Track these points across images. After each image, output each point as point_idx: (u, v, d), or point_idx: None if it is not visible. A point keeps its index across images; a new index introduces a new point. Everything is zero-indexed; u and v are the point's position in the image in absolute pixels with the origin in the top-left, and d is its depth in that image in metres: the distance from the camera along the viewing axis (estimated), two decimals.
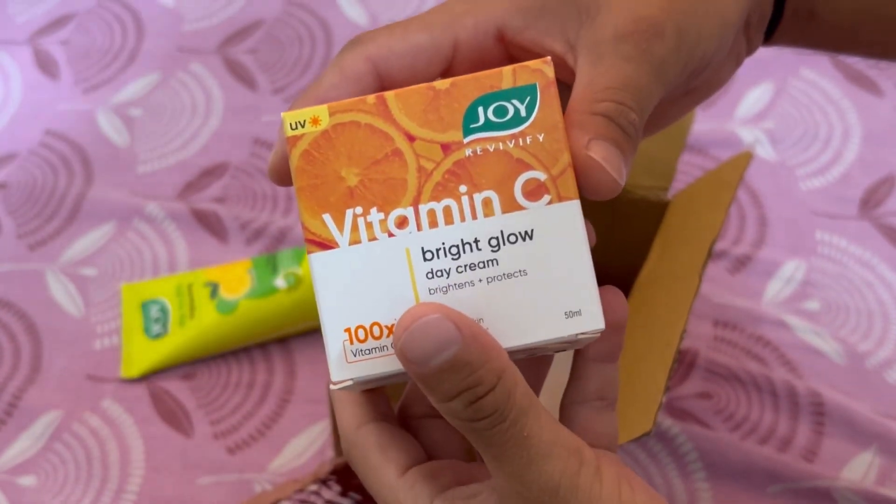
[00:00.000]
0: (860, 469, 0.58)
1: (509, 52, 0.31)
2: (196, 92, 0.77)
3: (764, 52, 0.81)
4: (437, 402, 0.26)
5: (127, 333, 0.63)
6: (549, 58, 0.27)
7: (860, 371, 0.62)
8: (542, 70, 0.27)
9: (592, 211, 0.58)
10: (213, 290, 0.63)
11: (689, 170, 0.71)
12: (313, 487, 0.52)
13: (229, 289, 0.63)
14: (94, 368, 0.62)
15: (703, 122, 0.74)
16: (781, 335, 0.63)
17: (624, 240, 0.58)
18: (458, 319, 0.25)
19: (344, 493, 0.52)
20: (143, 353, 0.62)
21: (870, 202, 0.70)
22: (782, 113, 0.75)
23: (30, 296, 0.66)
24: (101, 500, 0.57)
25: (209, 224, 0.69)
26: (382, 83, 0.30)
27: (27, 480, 0.58)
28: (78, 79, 0.78)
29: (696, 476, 0.57)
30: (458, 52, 0.30)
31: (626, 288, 0.58)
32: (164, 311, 0.63)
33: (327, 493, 0.54)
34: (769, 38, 0.37)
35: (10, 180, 0.72)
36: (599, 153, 0.27)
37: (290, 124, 0.27)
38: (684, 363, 0.62)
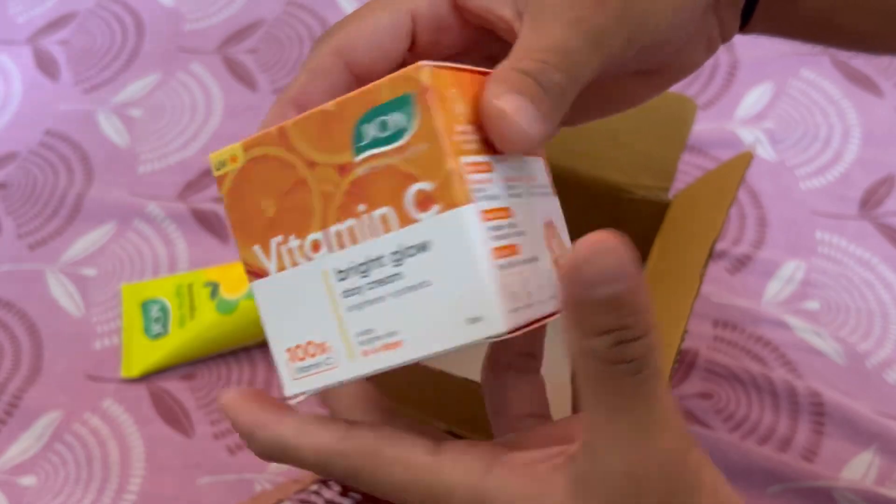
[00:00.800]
0: (860, 469, 0.58)
1: (465, 18, 0.31)
2: (196, 92, 0.77)
3: (764, 53, 0.81)
4: (584, 334, 0.24)
5: (127, 333, 0.63)
6: (423, 63, 0.26)
7: (860, 371, 0.62)
8: (415, 78, 0.26)
9: (593, 211, 0.58)
10: (214, 290, 0.63)
11: (689, 170, 0.71)
12: (314, 487, 0.52)
13: (229, 289, 0.63)
14: (94, 368, 0.62)
15: (704, 122, 0.74)
16: (781, 335, 0.63)
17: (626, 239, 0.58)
18: (633, 260, 0.23)
19: (344, 493, 0.52)
20: (143, 353, 0.62)
21: (870, 202, 0.70)
22: (782, 113, 0.75)
23: (30, 296, 0.66)
24: (102, 500, 0.57)
25: (209, 224, 0.69)
26: (353, 71, 0.30)
27: (27, 480, 0.58)
28: (78, 79, 0.78)
29: None
30: (418, 24, 0.31)
31: None
32: (164, 311, 0.63)
33: (328, 493, 0.54)
34: (746, 22, 0.36)
35: (11, 180, 0.72)
36: (508, 103, 0.27)
37: (215, 164, 0.29)
38: (684, 363, 0.62)
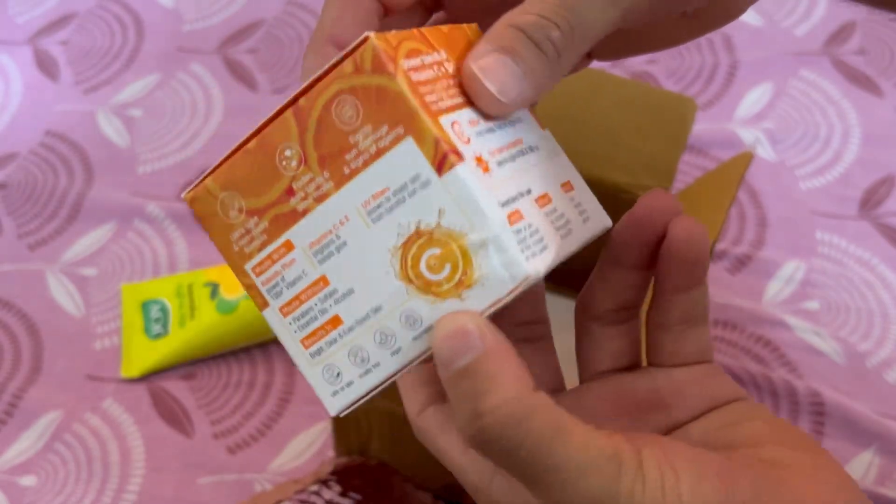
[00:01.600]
0: (860, 469, 0.58)
1: None
2: (196, 92, 0.77)
3: (764, 53, 0.81)
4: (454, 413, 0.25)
5: (127, 333, 0.63)
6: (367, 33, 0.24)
7: (860, 371, 0.62)
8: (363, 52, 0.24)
9: None
10: (214, 290, 0.63)
11: (689, 170, 0.71)
12: (314, 488, 0.52)
13: (229, 289, 0.63)
14: (94, 368, 0.62)
15: (704, 122, 0.74)
16: (781, 335, 0.63)
17: None
18: (486, 331, 0.24)
19: (344, 493, 0.52)
20: (143, 353, 0.62)
21: (869, 202, 0.70)
22: (782, 113, 0.75)
23: (30, 296, 0.66)
24: (102, 499, 0.57)
25: None
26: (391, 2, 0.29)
27: (28, 480, 0.58)
28: (78, 79, 0.78)
29: None
30: None
31: None
32: (164, 311, 0.63)
33: (328, 494, 0.54)
34: None
35: (11, 180, 0.72)
36: (482, 64, 0.26)
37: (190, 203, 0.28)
38: None
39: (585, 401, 0.30)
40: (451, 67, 0.26)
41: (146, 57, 0.79)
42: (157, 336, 0.62)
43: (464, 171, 0.24)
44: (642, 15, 0.28)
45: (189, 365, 0.62)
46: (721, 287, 0.65)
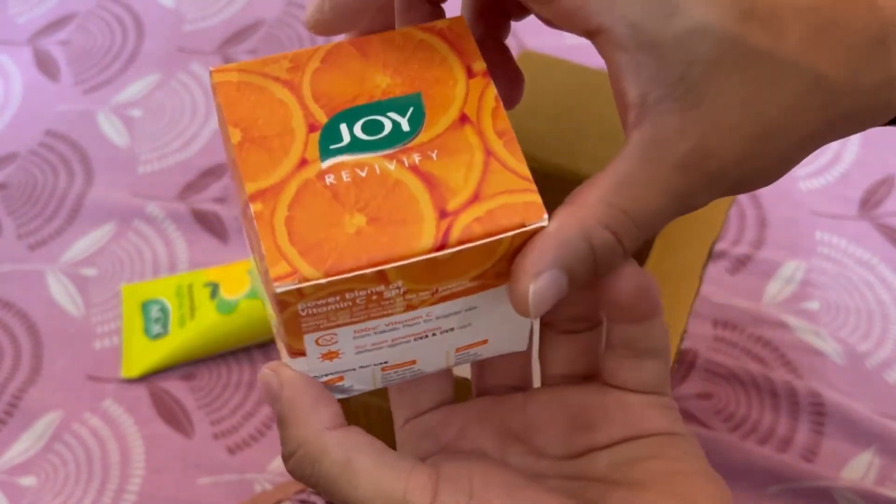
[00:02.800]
0: (860, 469, 0.58)
1: (594, 41, 0.26)
2: (196, 92, 0.77)
3: None
4: None
5: (127, 334, 0.63)
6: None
7: (860, 371, 0.62)
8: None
9: None
10: (214, 290, 0.63)
11: None
12: None
13: (229, 289, 0.63)
14: (94, 369, 0.62)
15: None
16: (781, 335, 0.63)
17: None
18: (288, 385, 0.27)
19: None
20: (143, 354, 0.62)
21: (869, 202, 0.70)
22: None
23: (30, 296, 0.66)
24: (102, 500, 0.57)
25: (209, 224, 0.69)
26: None
27: (28, 481, 0.58)
28: (78, 79, 0.78)
29: None
30: None
31: None
32: (164, 311, 0.63)
33: None
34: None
35: (11, 181, 0.72)
36: (537, 288, 0.25)
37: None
38: (684, 363, 0.62)
39: (529, 406, 0.30)
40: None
41: (146, 57, 0.79)
42: (157, 336, 0.62)
43: (299, 362, 0.27)
44: (698, 203, 0.27)
45: (189, 365, 0.62)
46: (721, 287, 0.65)
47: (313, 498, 0.54)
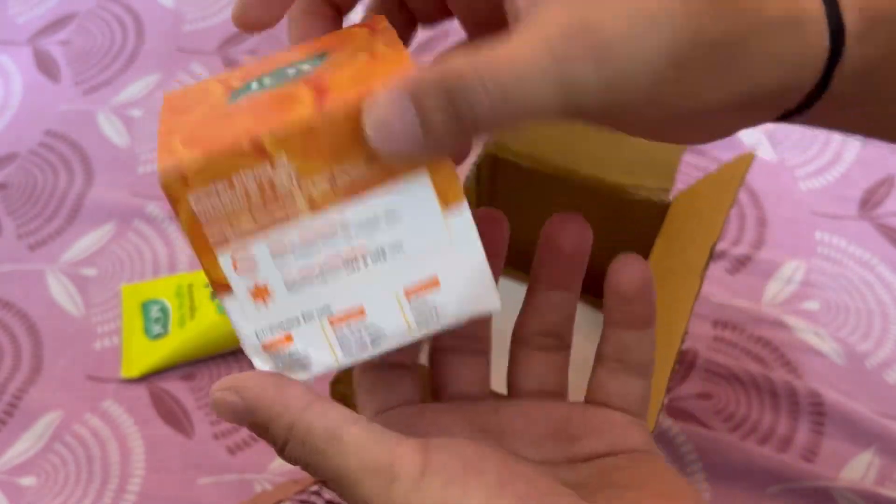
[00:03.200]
0: (860, 469, 0.58)
1: None
2: None
3: None
4: None
5: (127, 334, 0.63)
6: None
7: (860, 371, 0.62)
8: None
9: (595, 211, 0.58)
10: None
11: (689, 170, 0.71)
12: (314, 488, 0.52)
13: None
14: (94, 369, 0.62)
15: None
16: (781, 335, 0.63)
17: (626, 240, 0.58)
18: (245, 389, 0.27)
19: None
20: (143, 354, 0.62)
21: (869, 202, 0.70)
22: None
23: (30, 296, 0.66)
24: (102, 500, 0.57)
25: None
26: None
27: (28, 481, 0.58)
28: (78, 79, 0.78)
29: (697, 476, 0.58)
30: None
31: None
32: (164, 311, 0.63)
33: (328, 493, 0.54)
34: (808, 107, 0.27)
35: (11, 181, 0.72)
36: (375, 100, 0.23)
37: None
38: (684, 363, 0.62)
39: (502, 411, 0.30)
40: (286, 169, 0.25)
41: (146, 57, 0.79)
42: (157, 336, 0.62)
43: (229, 302, 0.26)
44: (586, 85, 0.23)
45: (189, 365, 0.62)
46: (721, 287, 0.65)
47: (313, 498, 0.54)
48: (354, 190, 0.25)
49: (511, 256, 0.64)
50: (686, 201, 0.55)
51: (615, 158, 0.56)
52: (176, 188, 0.24)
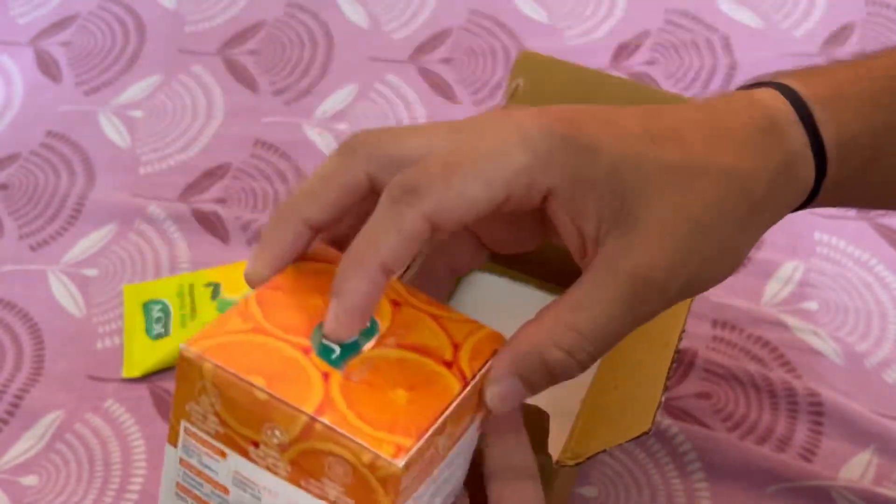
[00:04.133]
0: (858, 469, 0.58)
1: (546, 210, 0.31)
2: (197, 93, 0.77)
3: (762, 55, 0.81)
4: None
5: (128, 334, 0.63)
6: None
7: (859, 371, 0.62)
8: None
9: None
10: (215, 290, 0.63)
11: None
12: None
13: (230, 289, 0.63)
14: (95, 369, 0.63)
15: None
16: (780, 335, 0.63)
17: None
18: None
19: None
20: (144, 354, 0.62)
21: None
22: None
23: (32, 296, 0.66)
24: (104, 499, 0.57)
25: (211, 225, 0.69)
26: (435, 235, 0.30)
27: (29, 480, 0.58)
28: (79, 80, 0.78)
29: (695, 476, 0.58)
30: (506, 203, 0.30)
31: None
32: (165, 311, 0.63)
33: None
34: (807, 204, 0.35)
35: (12, 181, 0.72)
36: (497, 393, 0.31)
37: None
38: (683, 363, 0.62)
39: None
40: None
41: (147, 58, 0.80)
42: (159, 336, 0.62)
43: None
44: (654, 312, 0.31)
45: None
46: (720, 287, 0.66)
47: None
48: (457, 439, 0.31)
49: (506, 259, 0.64)
50: None
51: None
52: (401, 472, 0.28)
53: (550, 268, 0.61)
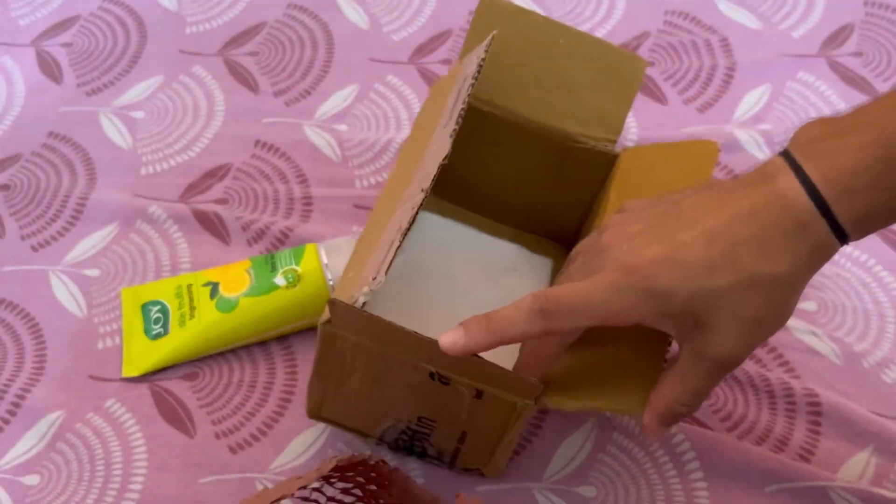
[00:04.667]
0: (857, 469, 0.58)
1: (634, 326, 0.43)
2: (198, 94, 0.77)
3: (762, 55, 0.82)
4: None
5: (127, 336, 0.63)
6: None
7: (857, 371, 0.63)
8: None
9: (543, 157, 0.60)
10: (213, 289, 0.63)
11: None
12: (316, 484, 0.53)
13: (229, 287, 0.63)
14: (96, 369, 0.63)
15: (702, 123, 0.75)
16: (779, 335, 0.64)
17: (572, 185, 0.61)
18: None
19: (346, 490, 0.52)
20: (143, 355, 0.62)
21: None
22: (780, 115, 0.76)
23: (33, 296, 0.66)
24: (104, 499, 0.57)
25: (211, 225, 0.69)
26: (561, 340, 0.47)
27: (31, 480, 0.58)
28: (80, 81, 0.78)
29: (694, 475, 0.58)
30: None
31: (577, 228, 0.64)
32: (164, 312, 0.63)
33: (330, 490, 0.55)
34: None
35: (14, 182, 0.72)
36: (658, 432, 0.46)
37: None
38: None
39: None
40: None
41: (148, 59, 0.80)
42: (157, 336, 0.63)
43: None
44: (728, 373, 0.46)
45: (190, 365, 0.63)
46: None
47: (315, 495, 0.54)
48: None
49: (459, 195, 0.66)
50: (635, 157, 0.57)
51: (568, 108, 0.58)
52: None
53: (495, 204, 0.65)
